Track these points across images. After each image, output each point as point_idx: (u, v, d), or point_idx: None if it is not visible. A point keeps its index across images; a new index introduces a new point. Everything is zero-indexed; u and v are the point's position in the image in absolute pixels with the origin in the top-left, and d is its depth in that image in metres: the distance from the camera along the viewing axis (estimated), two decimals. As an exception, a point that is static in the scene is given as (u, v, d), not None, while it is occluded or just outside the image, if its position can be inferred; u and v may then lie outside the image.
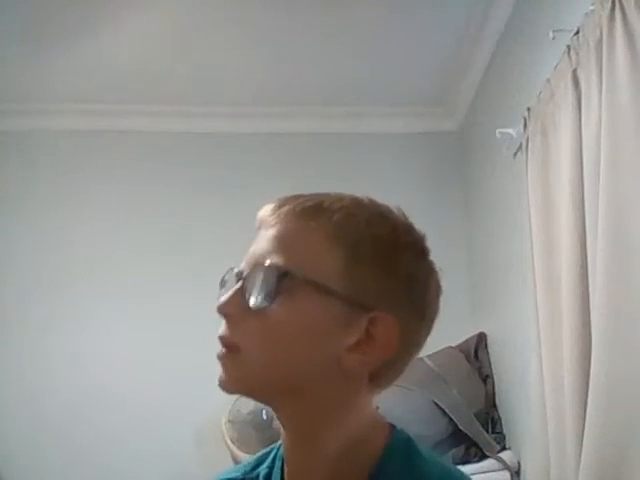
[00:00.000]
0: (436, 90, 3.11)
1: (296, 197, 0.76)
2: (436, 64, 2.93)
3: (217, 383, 0.73)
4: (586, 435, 1.56)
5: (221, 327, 0.73)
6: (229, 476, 0.84)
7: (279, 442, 0.82)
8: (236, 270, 0.75)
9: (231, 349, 0.72)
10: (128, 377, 2.81)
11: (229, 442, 2.65)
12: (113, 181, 3.07)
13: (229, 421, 2.66)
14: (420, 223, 0.77)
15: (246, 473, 0.83)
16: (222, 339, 0.73)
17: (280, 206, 0.75)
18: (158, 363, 2.85)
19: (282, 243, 0.73)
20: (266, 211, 0.76)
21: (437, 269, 0.77)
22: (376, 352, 0.71)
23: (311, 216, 0.73)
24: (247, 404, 2.59)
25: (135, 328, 2.90)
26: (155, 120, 3.10)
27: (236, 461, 2.56)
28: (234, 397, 2.53)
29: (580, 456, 1.59)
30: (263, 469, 0.81)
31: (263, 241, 0.74)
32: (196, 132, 3.13)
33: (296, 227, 0.73)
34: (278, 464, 0.80)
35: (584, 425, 1.58)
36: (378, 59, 2.86)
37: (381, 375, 0.75)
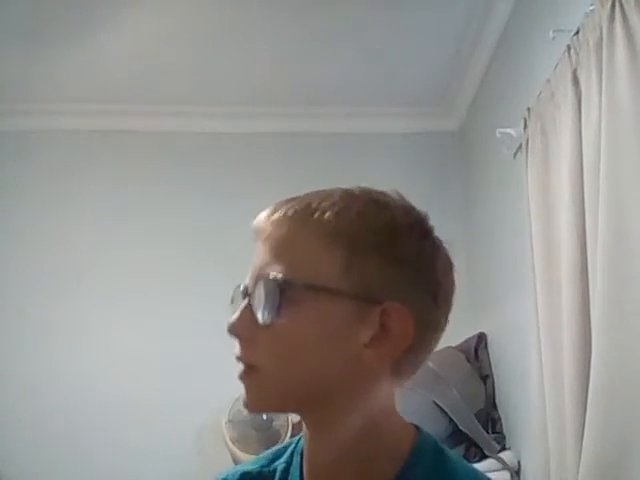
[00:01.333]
0: (436, 90, 3.10)
1: (287, 201, 0.75)
2: (436, 64, 2.93)
3: (242, 405, 0.73)
4: (586, 435, 1.56)
5: (236, 347, 0.73)
6: (245, 469, 0.83)
7: (297, 437, 0.81)
8: (242, 287, 0.74)
9: (249, 369, 0.72)
10: (128, 377, 2.81)
11: (229, 442, 2.65)
12: (113, 181, 3.07)
13: (229, 421, 2.66)
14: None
15: (263, 466, 0.82)
16: (239, 359, 0.73)
17: (272, 213, 0.74)
18: (158, 363, 2.85)
19: (278, 252, 0.72)
20: (259, 221, 0.75)
21: (444, 245, 0.75)
22: (394, 343, 0.70)
23: (302, 219, 0.72)
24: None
25: (135, 328, 2.90)
26: (155, 120, 3.10)
27: (236, 461, 2.56)
28: (234, 397, 2.53)
29: (580, 456, 1.59)
30: (280, 464, 0.80)
31: (261, 253, 0.73)
32: (196, 132, 3.13)
33: (289, 233, 0.72)
34: (297, 459, 0.79)
35: (584, 425, 1.58)
36: (378, 59, 2.86)
37: (402, 364, 0.73)
